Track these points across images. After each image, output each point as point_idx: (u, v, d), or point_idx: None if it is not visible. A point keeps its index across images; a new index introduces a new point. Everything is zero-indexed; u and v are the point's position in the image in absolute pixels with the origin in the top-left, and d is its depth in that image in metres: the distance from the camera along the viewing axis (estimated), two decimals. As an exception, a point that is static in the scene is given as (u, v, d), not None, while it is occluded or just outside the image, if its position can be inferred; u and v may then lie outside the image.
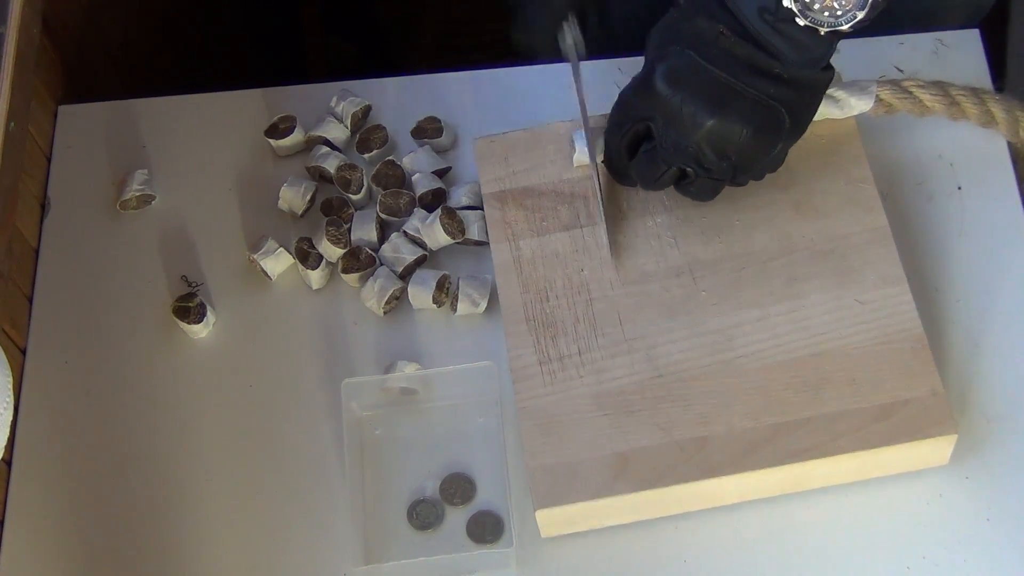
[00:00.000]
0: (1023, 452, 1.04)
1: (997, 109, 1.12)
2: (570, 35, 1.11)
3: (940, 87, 1.12)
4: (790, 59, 0.98)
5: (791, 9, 0.95)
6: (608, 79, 1.19)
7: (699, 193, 1.05)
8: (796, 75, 0.99)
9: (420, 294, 1.10)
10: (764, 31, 0.97)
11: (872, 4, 0.95)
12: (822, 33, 0.96)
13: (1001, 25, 1.70)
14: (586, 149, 1.09)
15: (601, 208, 1.08)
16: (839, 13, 0.95)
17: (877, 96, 1.10)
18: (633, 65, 1.20)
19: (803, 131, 1.03)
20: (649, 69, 1.01)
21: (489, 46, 1.11)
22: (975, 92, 1.12)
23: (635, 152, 1.05)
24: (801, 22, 0.96)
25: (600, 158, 1.10)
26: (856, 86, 1.10)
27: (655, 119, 1.01)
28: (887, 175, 1.14)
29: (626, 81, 1.18)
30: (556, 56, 1.11)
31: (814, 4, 0.95)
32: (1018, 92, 1.14)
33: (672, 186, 1.06)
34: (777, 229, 1.07)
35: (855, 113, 1.10)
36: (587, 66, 1.20)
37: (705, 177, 1.03)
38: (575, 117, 1.12)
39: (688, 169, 1.02)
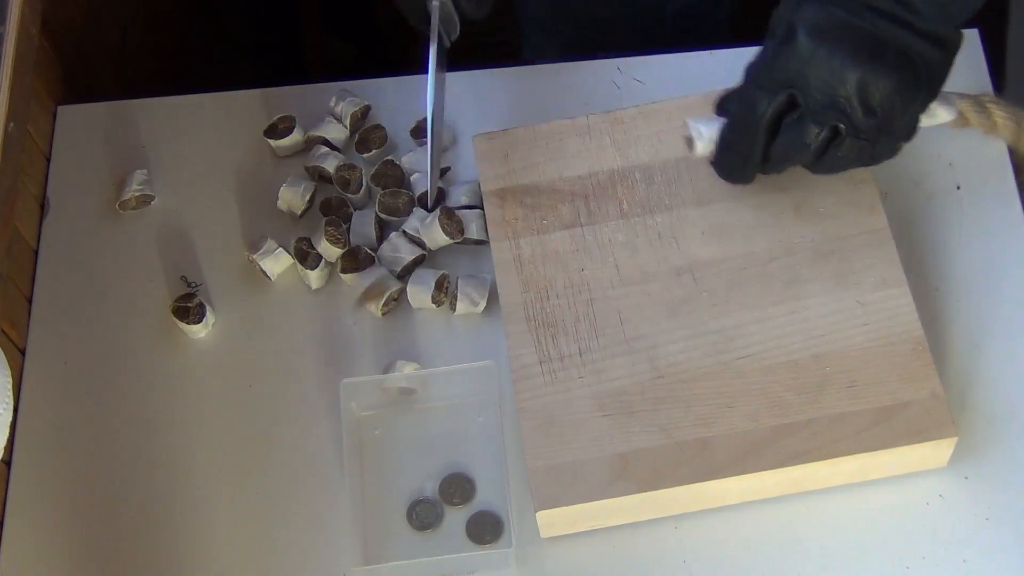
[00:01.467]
0: (1022, 453, 1.04)
1: (1000, 116, 1.11)
2: (438, 3, 1.08)
3: (944, 98, 1.11)
4: (927, 13, 0.98)
5: None
6: (608, 79, 1.19)
7: (845, 158, 1.02)
8: (932, 30, 0.98)
9: (419, 294, 1.10)
10: None
11: None
12: None
13: (1001, 25, 1.70)
14: (706, 137, 1.05)
15: (430, 151, 1.09)
16: None
17: (960, 111, 1.10)
18: (633, 65, 1.21)
19: (936, 92, 1.02)
20: (787, 29, 1.00)
21: (489, 46, 1.11)
22: (977, 100, 1.12)
23: (774, 134, 1.02)
24: None
25: (703, 151, 1.06)
26: (941, 95, 1.09)
27: (799, 81, 0.99)
28: (887, 175, 1.14)
29: (625, 81, 1.18)
30: (426, 28, 1.10)
31: None
32: (1018, 92, 1.14)
33: (812, 165, 1.03)
34: (778, 230, 1.07)
35: (938, 123, 1.08)
36: (586, 66, 1.21)
37: (854, 137, 1.00)
38: (576, 116, 1.12)
39: (840, 126, 0.99)
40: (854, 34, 0.98)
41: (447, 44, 1.10)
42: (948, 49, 1.00)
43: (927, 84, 1.00)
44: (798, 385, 1.01)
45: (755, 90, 1.01)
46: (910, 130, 1.03)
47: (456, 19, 1.09)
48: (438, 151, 1.10)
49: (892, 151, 1.03)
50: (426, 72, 1.09)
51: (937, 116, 1.08)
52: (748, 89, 1.02)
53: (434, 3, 1.08)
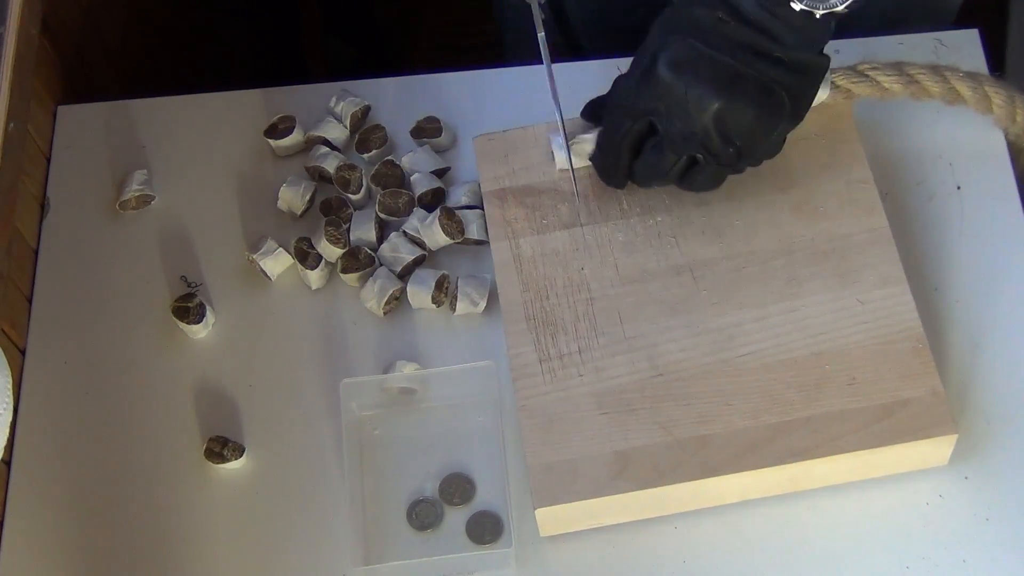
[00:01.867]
0: (1022, 453, 1.04)
1: (995, 95, 1.11)
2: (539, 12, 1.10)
3: (938, 72, 1.11)
4: (787, 42, 0.99)
5: None
6: (609, 79, 1.19)
7: (705, 182, 1.05)
8: (795, 58, 1.00)
9: (419, 294, 1.10)
10: (760, 16, 0.98)
11: None
12: (818, 15, 0.97)
13: (1001, 25, 1.71)
14: (563, 152, 1.09)
15: (569, 156, 1.09)
16: None
17: (833, 83, 1.10)
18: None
19: (801, 117, 1.04)
20: (650, 60, 1.02)
21: (489, 46, 1.11)
22: (973, 77, 1.12)
23: (637, 152, 1.06)
24: (796, 6, 0.97)
25: (581, 163, 1.10)
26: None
27: (658, 111, 1.02)
28: (887, 175, 1.14)
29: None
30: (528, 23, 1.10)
31: None
32: (1020, 91, 1.14)
33: (675, 183, 1.06)
34: (777, 229, 1.07)
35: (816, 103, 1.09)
36: (586, 66, 1.21)
37: (713, 164, 1.03)
38: (576, 116, 1.12)
39: (698, 156, 1.02)
40: (712, 67, 0.99)
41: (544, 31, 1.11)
42: (811, 74, 1.02)
43: (791, 111, 1.01)
44: (798, 383, 1.01)
45: (619, 112, 1.05)
46: (774, 150, 1.05)
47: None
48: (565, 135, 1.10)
49: (756, 164, 1.06)
50: (545, 69, 1.10)
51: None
52: (614, 111, 1.06)
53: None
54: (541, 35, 1.09)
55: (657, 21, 1.03)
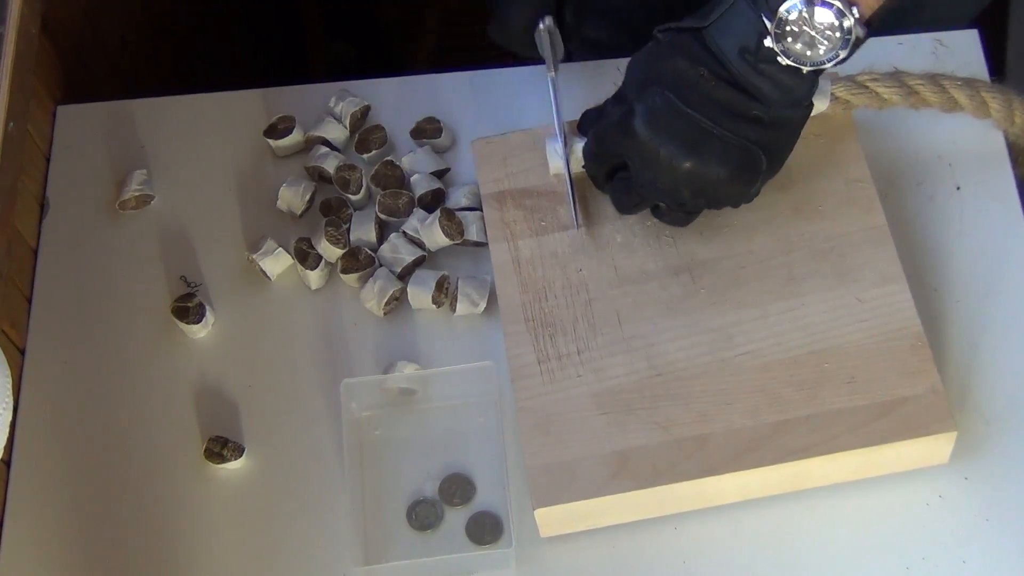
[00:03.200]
0: (1022, 453, 1.04)
1: (992, 100, 1.11)
2: (547, 34, 1.09)
3: (935, 80, 1.11)
4: (772, 99, 0.98)
5: (773, 49, 0.95)
6: (609, 79, 1.19)
7: (673, 223, 1.06)
8: (777, 116, 0.99)
9: (419, 294, 1.10)
10: (745, 72, 0.97)
11: (855, 43, 0.94)
12: (804, 72, 0.96)
13: (1001, 25, 1.71)
14: (558, 158, 1.09)
15: (568, 173, 1.09)
16: (822, 52, 0.95)
17: (833, 94, 1.10)
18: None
19: (780, 167, 1.03)
20: (628, 110, 1.01)
21: (488, 46, 1.11)
22: (970, 83, 1.12)
23: (612, 176, 1.06)
24: (784, 61, 0.96)
25: (556, 170, 1.10)
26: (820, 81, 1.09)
27: (632, 159, 1.02)
28: (886, 175, 1.14)
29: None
30: (534, 54, 1.11)
31: (796, 44, 0.95)
32: (1018, 93, 1.14)
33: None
34: (776, 229, 1.07)
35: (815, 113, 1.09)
36: (586, 67, 1.21)
37: (678, 211, 1.04)
38: (575, 118, 1.12)
39: (661, 205, 1.04)
40: (687, 126, 0.99)
41: (556, 70, 1.10)
42: (793, 127, 1.01)
43: (768, 166, 1.01)
44: (797, 381, 1.01)
45: (597, 147, 1.06)
46: (754, 196, 1.04)
47: (561, 42, 1.10)
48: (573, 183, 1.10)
49: (735, 207, 1.05)
50: (552, 102, 1.10)
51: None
52: (591, 144, 1.06)
53: (542, 29, 1.09)
54: (551, 75, 1.10)
55: (638, 60, 1.03)
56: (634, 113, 1.00)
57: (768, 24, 0.94)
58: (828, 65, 0.96)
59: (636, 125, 1.00)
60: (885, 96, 1.11)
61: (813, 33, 0.94)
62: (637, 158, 1.01)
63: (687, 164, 0.99)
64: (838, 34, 0.94)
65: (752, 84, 0.97)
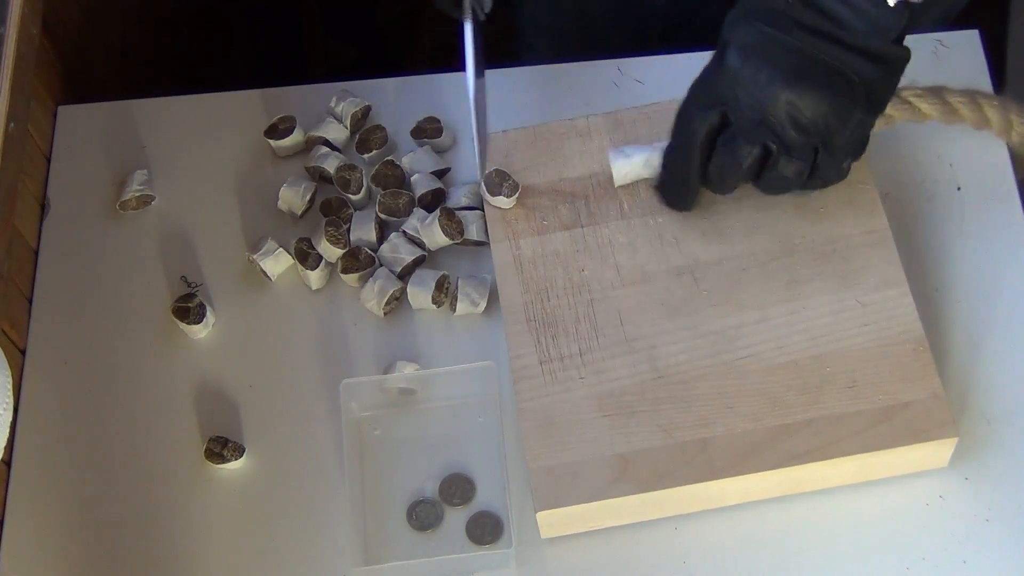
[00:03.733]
0: (1023, 453, 1.04)
1: (992, 113, 1.11)
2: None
3: (937, 94, 1.11)
4: (857, 28, 0.97)
5: None
6: (608, 79, 1.19)
7: (782, 179, 1.02)
8: (866, 45, 0.98)
9: (419, 294, 1.10)
10: (832, 2, 0.97)
11: None
12: (891, 3, 0.96)
13: (1001, 25, 1.71)
14: (624, 165, 1.08)
15: (475, 123, 1.06)
16: None
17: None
18: (633, 66, 1.21)
19: (880, 109, 1.02)
20: (721, 48, 1.00)
21: (489, 46, 1.11)
22: (971, 96, 1.12)
23: (709, 153, 1.03)
24: None
25: (622, 181, 1.09)
26: None
27: (730, 99, 1.00)
28: (887, 176, 1.14)
29: (625, 81, 1.18)
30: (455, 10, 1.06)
31: None
32: (1018, 93, 1.14)
33: (753, 183, 1.04)
34: (778, 230, 1.07)
35: None
36: (586, 67, 1.20)
37: (787, 157, 1.00)
38: (576, 117, 1.12)
39: (772, 145, 1.00)
40: (783, 52, 0.98)
41: (481, 18, 1.06)
42: (887, 64, 1.00)
43: (865, 101, 0.99)
44: (798, 385, 1.01)
45: (691, 109, 1.03)
46: (856, 148, 1.03)
47: None
48: (483, 138, 1.07)
49: (838, 171, 1.03)
50: (463, 57, 1.06)
51: None
52: (686, 108, 1.03)
53: None
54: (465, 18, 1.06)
55: (730, 12, 1.01)
56: (727, 48, 0.99)
57: None
58: None
59: (730, 57, 0.99)
60: (925, 112, 1.11)
61: None
62: (736, 93, 0.99)
63: (787, 89, 0.97)
64: None
65: (838, 13, 0.97)
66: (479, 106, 1.06)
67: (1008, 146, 1.15)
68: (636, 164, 1.09)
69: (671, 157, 1.06)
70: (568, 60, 1.22)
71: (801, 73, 0.98)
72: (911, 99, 1.11)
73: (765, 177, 1.03)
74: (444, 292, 1.11)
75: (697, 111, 1.02)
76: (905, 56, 1.00)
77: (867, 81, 0.99)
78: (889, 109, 1.10)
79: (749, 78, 0.98)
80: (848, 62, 0.98)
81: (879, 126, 1.10)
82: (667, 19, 1.38)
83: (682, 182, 1.06)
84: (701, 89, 1.02)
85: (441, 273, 1.11)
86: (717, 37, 1.02)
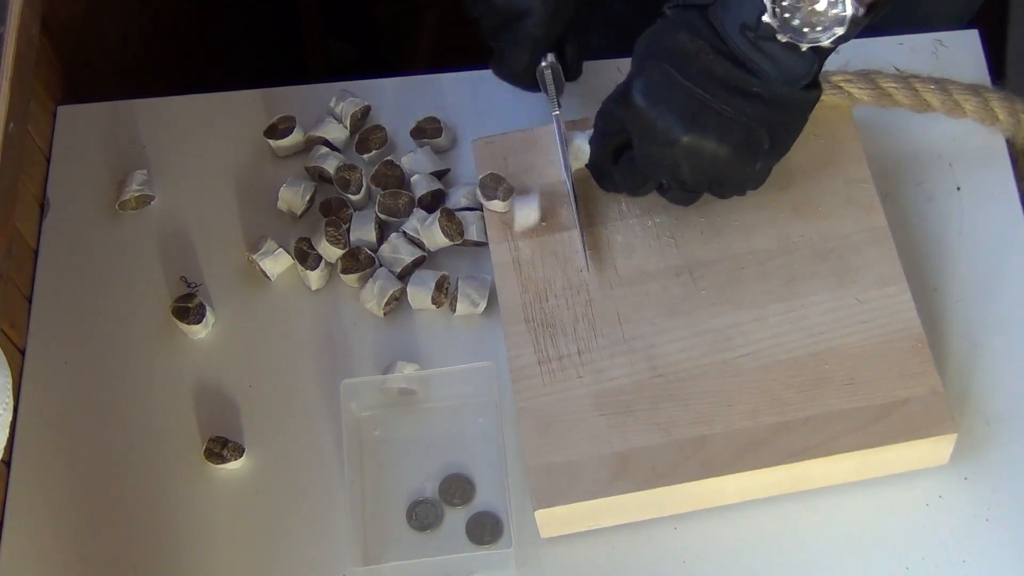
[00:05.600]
0: (1022, 453, 1.04)
1: (999, 107, 1.11)
2: (549, 71, 1.10)
3: (941, 85, 1.12)
4: (771, 76, 0.97)
5: (771, 25, 0.95)
6: (609, 79, 1.19)
7: (675, 201, 1.05)
8: (776, 94, 0.98)
9: (419, 295, 1.10)
10: (745, 48, 0.97)
11: (852, 20, 0.94)
12: (803, 49, 0.96)
13: (1001, 25, 1.71)
14: (582, 153, 1.10)
15: (576, 216, 1.09)
16: (819, 29, 0.94)
17: (883, 89, 1.09)
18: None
19: (785, 151, 1.02)
20: (628, 82, 1.01)
21: (488, 46, 1.11)
22: (976, 90, 1.12)
23: (618, 158, 1.06)
24: (782, 39, 0.95)
25: (583, 163, 1.10)
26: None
27: (633, 132, 1.01)
28: (886, 175, 1.14)
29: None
30: (537, 89, 1.11)
31: (793, 20, 0.94)
32: (1018, 93, 1.14)
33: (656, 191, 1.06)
34: (776, 229, 1.07)
35: None
36: (586, 67, 1.20)
37: (680, 190, 1.03)
38: (575, 117, 1.12)
39: (663, 181, 1.03)
40: (685, 99, 0.98)
41: (559, 105, 1.11)
42: (796, 110, 1.00)
43: (771, 147, 1.00)
44: (797, 383, 1.01)
45: (603, 123, 1.06)
46: (758, 181, 1.04)
47: (563, 76, 1.11)
48: (583, 227, 1.09)
49: (740, 194, 1.05)
50: (556, 140, 1.11)
51: None
52: (599, 120, 1.06)
53: (544, 67, 1.10)
54: (556, 112, 1.11)
55: (643, 36, 1.02)
56: (632, 85, 1.00)
57: (767, 1, 0.94)
58: (826, 43, 0.95)
59: (634, 96, 0.99)
60: (890, 93, 1.11)
61: (810, 9, 0.94)
62: (636, 131, 1.00)
63: (684, 138, 0.97)
64: (835, 10, 0.94)
65: (751, 60, 0.97)
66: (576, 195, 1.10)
67: (1010, 143, 1.15)
68: (533, 211, 1.10)
69: (593, 151, 1.08)
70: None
71: (702, 124, 0.97)
72: (917, 87, 1.11)
73: (662, 193, 1.06)
74: (444, 292, 1.11)
75: (608, 127, 1.05)
76: (815, 97, 1.00)
77: (772, 128, 0.99)
78: (895, 95, 1.10)
79: (650, 121, 0.99)
80: (753, 112, 0.98)
81: (882, 105, 1.10)
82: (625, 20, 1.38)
83: (601, 174, 1.09)
84: (611, 110, 1.04)
85: (441, 274, 1.11)
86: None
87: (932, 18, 1.26)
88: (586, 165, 1.09)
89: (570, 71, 1.12)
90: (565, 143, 1.10)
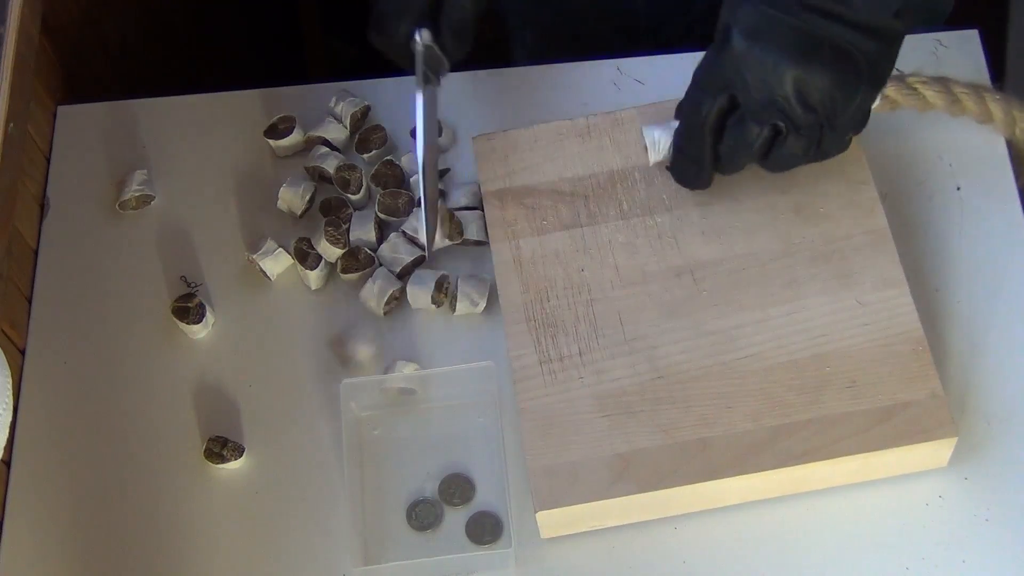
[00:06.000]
0: (1022, 453, 1.04)
1: (995, 107, 1.12)
2: (422, 47, 1.07)
3: (942, 83, 1.12)
4: (858, 4, 0.98)
5: None
6: (608, 79, 1.19)
7: (790, 156, 1.03)
8: (867, 20, 0.99)
9: (419, 294, 1.10)
10: None
11: None
12: None
13: (1001, 25, 1.71)
14: (661, 143, 1.07)
15: (424, 194, 1.07)
16: None
17: (883, 93, 1.10)
18: (633, 65, 1.21)
19: (882, 83, 1.02)
20: (724, 32, 1.01)
21: (488, 46, 1.11)
22: (975, 89, 1.12)
23: (719, 134, 1.04)
24: None
25: (658, 158, 1.08)
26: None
27: (737, 82, 1.00)
28: (887, 176, 1.14)
29: (624, 80, 1.18)
30: (411, 66, 1.08)
31: None
32: (1018, 92, 1.14)
33: (760, 164, 1.04)
34: (777, 231, 1.07)
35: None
36: (586, 67, 1.20)
37: (795, 134, 1.01)
38: (576, 116, 1.12)
39: (780, 125, 1.01)
40: (787, 32, 0.99)
41: (437, 84, 1.08)
42: (887, 39, 1.01)
43: (868, 76, 1.00)
44: (798, 385, 1.01)
45: (699, 92, 1.03)
46: (859, 121, 1.04)
47: (444, 58, 1.08)
48: (432, 205, 1.08)
49: (841, 144, 1.04)
50: (413, 118, 1.08)
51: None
52: (693, 92, 1.04)
53: (417, 47, 1.07)
54: (419, 92, 1.07)
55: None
56: (731, 32, 1.00)
57: None
58: None
59: (736, 41, 0.99)
60: (930, 100, 1.11)
61: None
62: (743, 75, 1.00)
63: (793, 69, 0.98)
64: None
65: None
66: (429, 174, 1.07)
67: (1008, 143, 1.15)
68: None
69: (683, 140, 1.06)
70: (561, 60, 1.22)
71: (807, 53, 0.98)
72: (917, 86, 1.11)
73: (773, 156, 1.03)
74: (444, 292, 1.11)
75: (706, 95, 1.02)
76: (902, 29, 1.01)
77: (869, 56, 1.00)
78: (894, 95, 1.10)
79: (755, 60, 0.99)
80: (851, 39, 0.99)
81: (883, 109, 1.10)
82: (649, 18, 1.38)
83: (695, 163, 1.06)
84: (708, 72, 1.03)
85: (441, 273, 1.11)
86: (710, 29, 1.02)
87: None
88: (667, 167, 1.08)
89: (448, 52, 1.08)
90: (425, 122, 1.07)
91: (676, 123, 1.06)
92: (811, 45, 0.98)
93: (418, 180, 1.08)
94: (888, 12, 0.99)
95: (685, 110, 1.05)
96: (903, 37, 1.02)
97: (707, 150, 1.04)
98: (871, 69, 1.00)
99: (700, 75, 1.04)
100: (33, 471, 1.07)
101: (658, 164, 1.09)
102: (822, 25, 0.98)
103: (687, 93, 1.05)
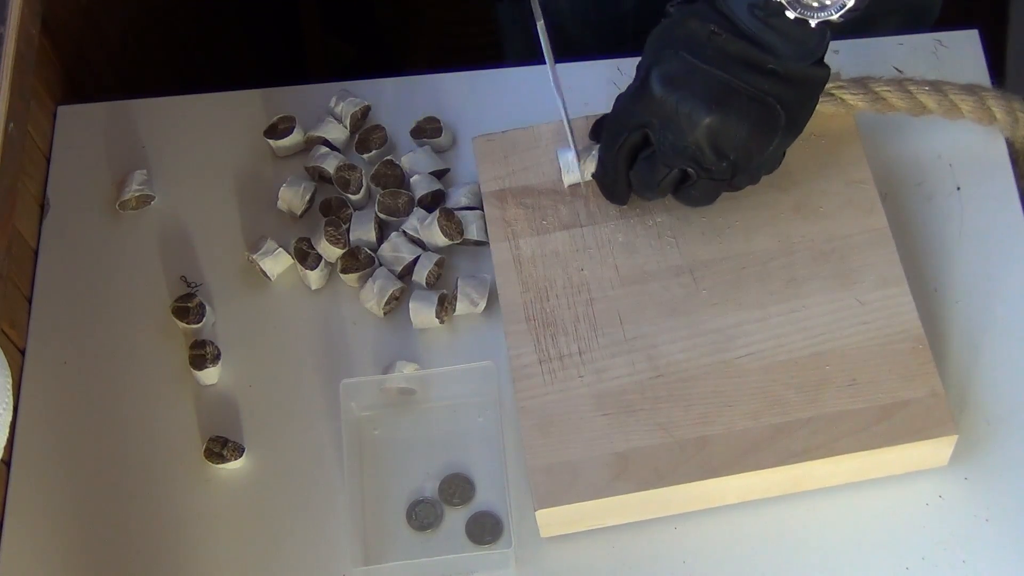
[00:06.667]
0: (1022, 453, 1.04)
1: (996, 106, 1.12)
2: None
3: (937, 87, 1.12)
4: (783, 53, 0.98)
5: (780, 2, 0.96)
6: (608, 79, 1.19)
7: (699, 197, 1.05)
8: (790, 70, 0.99)
9: (421, 311, 1.10)
10: (755, 27, 0.98)
11: None
12: (812, 24, 0.97)
13: (1001, 25, 1.71)
14: (572, 167, 1.09)
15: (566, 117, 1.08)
16: (827, 3, 0.95)
17: (877, 94, 1.10)
18: (633, 65, 1.21)
19: (800, 130, 1.03)
20: (645, 74, 1.02)
21: (489, 46, 1.11)
22: (972, 90, 1.12)
23: (632, 163, 1.06)
24: (791, 15, 0.96)
25: (591, 172, 1.09)
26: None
27: (652, 124, 1.02)
28: (887, 176, 1.14)
29: (624, 80, 1.18)
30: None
31: None
32: (1018, 92, 1.14)
33: (671, 194, 1.06)
34: (777, 230, 1.08)
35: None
36: (586, 67, 1.21)
37: (706, 179, 1.03)
38: (576, 116, 1.12)
39: (689, 170, 1.02)
40: (705, 82, 0.99)
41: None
42: (808, 87, 1.02)
43: (786, 125, 1.01)
44: (798, 384, 1.01)
45: (616, 124, 1.05)
46: (773, 164, 1.05)
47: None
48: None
49: (754, 180, 1.05)
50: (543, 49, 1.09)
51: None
52: (611, 122, 1.06)
53: None
54: (540, 24, 1.08)
55: (652, 34, 1.03)
56: (650, 75, 1.01)
57: None
58: (835, 16, 0.96)
59: (653, 85, 1.00)
60: (885, 97, 1.11)
61: None
62: (658, 120, 1.01)
63: (708, 119, 0.99)
64: None
65: (762, 38, 0.98)
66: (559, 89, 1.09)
67: (1009, 143, 1.15)
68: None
69: (604, 159, 1.08)
70: (565, 60, 1.22)
71: (723, 103, 0.99)
72: (912, 90, 1.11)
73: (682, 193, 1.05)
74: (446, 308, 1.10)
75: (622, 128, 1.04)
76: (825, 75, 1.02)
77: (789, 106, 1.00)
78: (891, 99, 1.10)
79: (671, 107, 1.00)
80: (770, 89, 0.99)
81: (879, 111, 1.10)
82: (637, 21, 1.38)
83: (611, 188, 1.08)
84: (626, 106, 1.04)
85: (441, 292, 1.11)
86: None
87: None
88: (593, 175, 1.09)
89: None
90: (556, 73, 1.09)
91: (592, 144, 1.09)
92: (728, 95, 0.99)
93: (574, 174, 1.09)
94: (812, 59, 1.00)
95: (604, 138, 1.07)
96: (825, 82, 1.02)
97: (621, 179, 1.07)
98: (790, 118, 1.01)
99: (619, 107, 1.05)
100: (33, 471, 1.07)
101: (572, 186, 1.10)
102: (742, 75, 0.99)
103: (608, 119, 1.06)
